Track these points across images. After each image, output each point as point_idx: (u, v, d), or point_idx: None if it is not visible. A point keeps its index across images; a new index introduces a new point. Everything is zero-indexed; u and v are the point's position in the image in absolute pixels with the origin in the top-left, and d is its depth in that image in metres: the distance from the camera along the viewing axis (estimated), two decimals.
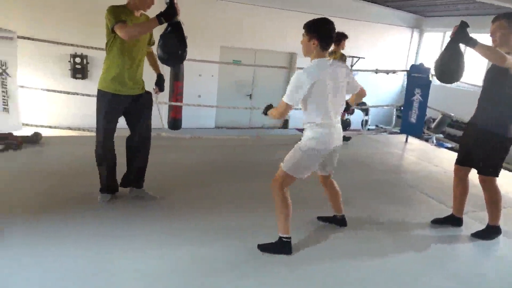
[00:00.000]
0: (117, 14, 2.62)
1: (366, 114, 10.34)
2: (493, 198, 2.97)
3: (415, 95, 5.61)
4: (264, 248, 2.57)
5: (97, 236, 2.61)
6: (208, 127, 9.76)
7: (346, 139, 5.64)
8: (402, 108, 6.85)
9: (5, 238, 2.48)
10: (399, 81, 11.61)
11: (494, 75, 2.80)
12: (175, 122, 8.13)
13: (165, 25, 2.57)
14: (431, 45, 11.53)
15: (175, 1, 2.50)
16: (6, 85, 3.72)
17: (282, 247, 2.55)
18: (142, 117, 3.02)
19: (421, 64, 5.78)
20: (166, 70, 8.23)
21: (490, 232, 3.07)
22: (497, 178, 2.94)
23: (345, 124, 10.38)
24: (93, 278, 2.18)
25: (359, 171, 4.64)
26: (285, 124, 10.92)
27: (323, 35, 2.35)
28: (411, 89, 5.74)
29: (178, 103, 7.48)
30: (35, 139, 4.32)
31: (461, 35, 2.52)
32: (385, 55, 11.31)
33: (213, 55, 8.95)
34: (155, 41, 2.96)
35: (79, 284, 2.12)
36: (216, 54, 9.20)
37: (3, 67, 3.67)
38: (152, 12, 2.74)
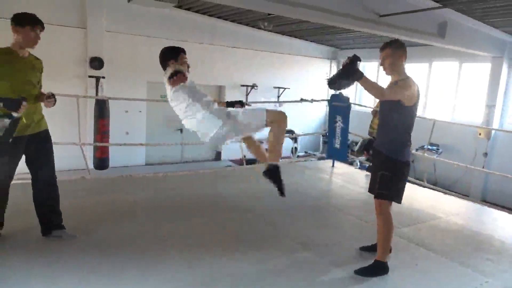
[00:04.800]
0: None
1: (295, 141, 10.77)
2: (385, 225, 2.85)
3: (337, 122, 5.99)
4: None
5: None
6: (139, 164, 9.42)
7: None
8: (327, 134, 7.25)
9: None
10: (322, 108, 12.35)
11: (387, 102, 2.87)
12: (101, 162, 7.74)
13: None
14: None
15: (24, 103, 2.57)
16: None
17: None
18: (42, 155, 2.98)
19: (340, 94, 6.21)
20: (89, 108, 7.91)
21: (375, 268, 2.88)
22: (391, 204, 2.88)
23: None
24: None
25: (291, 198, 4.75)
26: (217, 156, 10.93)
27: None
28: (332, 117, 6.13)
29: (103, 143, 7.16)
30: None
31: (349, 69, 2.58)
32: (308, 85, 12.01)
33: (140, 91, 8.78)
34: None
35: None
36: (143, 89, 9.05)
37: None
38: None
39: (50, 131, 3.07)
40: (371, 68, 11.28)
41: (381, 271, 2.88)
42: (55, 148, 3.11)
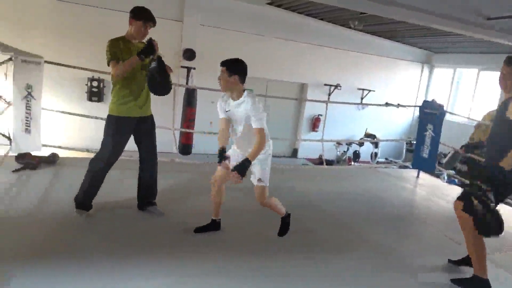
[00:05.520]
0: (113, 51, 2.93)
1: (376, 146, 10.35)
2: (470, 236, 2.70)
3: (427, 131, 5.62)
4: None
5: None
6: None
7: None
8: (412, 142, 6.85)
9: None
10: (409, 114, 11.67)
11: (500, 119, 2.72)
12: (185, 147, 8.24)
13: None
14: (441, 80, 11.63)
15: (153, 40, 2.89)
16: (30, 107, 3.82)
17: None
18: (148, 137, 3.28)
19: (434, 101, 5.82)
20: (179, 96, 8.41)
21: (474, 283, 2.72)
22: None
23: (355, 156, 10.43)
24: None
25: (371, 203, 4.61)
26: (294, 153, 10.95)
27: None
28: (423, 125, 5.76)
29: (188, 130, 7.61)
30: (52, 159, 4.39)
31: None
32: (395, 88, 11.44)
33: None
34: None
35: None
36: None
37: (29, 90, 3.79)
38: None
39: None
40: (469, 75, 10.33)
41: (478, 286, 2.71)
42: None
